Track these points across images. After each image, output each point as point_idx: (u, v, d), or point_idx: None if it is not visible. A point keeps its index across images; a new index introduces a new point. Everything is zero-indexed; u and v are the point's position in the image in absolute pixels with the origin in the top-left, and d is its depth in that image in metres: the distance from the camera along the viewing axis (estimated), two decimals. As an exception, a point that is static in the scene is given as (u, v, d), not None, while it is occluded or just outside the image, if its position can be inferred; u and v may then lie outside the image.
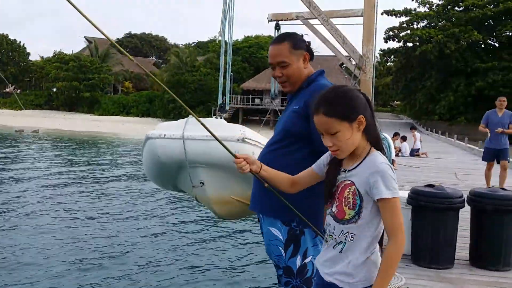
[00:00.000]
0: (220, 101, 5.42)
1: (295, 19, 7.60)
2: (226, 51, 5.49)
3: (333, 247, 2.00)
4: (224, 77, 5.61)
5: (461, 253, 5.46)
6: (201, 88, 51.51)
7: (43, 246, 9.63)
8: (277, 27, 7.88)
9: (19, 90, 73.15)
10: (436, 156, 19.35)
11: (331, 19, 5.55)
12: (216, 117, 5.18)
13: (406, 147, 19.05)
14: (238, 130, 4.99)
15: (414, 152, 19.04)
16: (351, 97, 1.97)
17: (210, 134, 4.85)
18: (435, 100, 47.89)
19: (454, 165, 16.50)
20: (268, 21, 8.02)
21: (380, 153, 2.00)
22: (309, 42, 2.86)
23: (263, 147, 5.31)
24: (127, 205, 13.88)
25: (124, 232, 10.78)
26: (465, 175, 13.31)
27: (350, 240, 1.95)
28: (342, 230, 1.97)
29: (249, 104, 52.30)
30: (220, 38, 5.36)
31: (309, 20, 7.43)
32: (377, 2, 5.42)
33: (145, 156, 5.30)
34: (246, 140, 4.94)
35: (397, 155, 17.41)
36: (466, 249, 5.46)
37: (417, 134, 19.71)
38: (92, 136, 40.00)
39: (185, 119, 5.08)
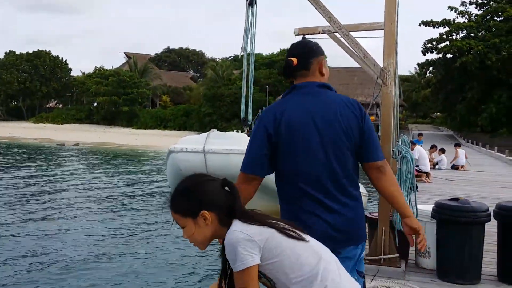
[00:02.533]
0: (242, 115, 5.49)
1: (321, 33, 7.63)
2: (249, 65, 5.57)
3: None
4: (247, 92, 5.69)
5: (488, 268, 5.32)
6: (237, 101, 51.99)
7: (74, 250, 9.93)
8: (304, 41, 7.93)
9: (61, 105, 75.51)
10: (475, 169, 18.86)
11: (352, 33, 5.57)
12: (237, 131, 5.26)
13: (444, 159, 18.65)
14: (258, 143, 5.04)
15: (454, 166, 18.57)
16: (194, 192, 1.97)
17: (230, 148, 4.97)
18: (476, 111, 46.75)
19: (492, 178, 16.06)
20: (295, 35, 8.07)
21: (236, 224, 1.94)
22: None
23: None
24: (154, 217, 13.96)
25: (149, 246, 10.74)
26: (502, 188, 12.93)
27: None
28: None
29: (285, 117, 52.28)
30: (242, 53, 5.45)
31: (335, 34, 7.45)
32: (397, 16, 5.42)
33: (168, 169, 5.41)
34: (265, 153, 5.00)
35: (433, 167, 17.06)
36: (493, 264, 5.33)
37: (460, 151, 19.03)
38: (129, 149, 40.87)
39: (207, 133, 5.18)
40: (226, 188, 2.01)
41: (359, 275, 2.53)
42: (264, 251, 1.90)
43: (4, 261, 9.41)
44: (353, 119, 2.52)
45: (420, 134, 22.53)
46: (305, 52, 2.63)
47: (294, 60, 2.61)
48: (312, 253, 1.97)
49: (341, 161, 2.49)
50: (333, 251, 2.12)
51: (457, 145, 20.42)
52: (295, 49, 2.66)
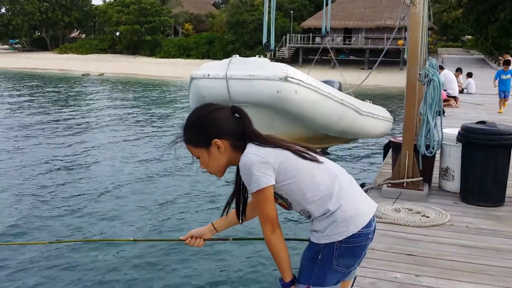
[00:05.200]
0: (265, 40, 5.39)
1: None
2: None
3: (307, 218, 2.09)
4: (269, 17, 5.56)
5: (513, 191, 5.32)
6: (260, 28, 50.85)
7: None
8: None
9: (83, 35, 75.16)
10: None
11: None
12: (259, 56, 5.19)
13: (472, 83, 18.13)
14: (281, 68, 4.98)
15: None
16: (203, 123, 1.97)
17: (252, 73, 4.92)
18: (509, 33, 44.81)
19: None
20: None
21: (250, 147, 1.94)
22: None
23: (306, 85, 5.32)
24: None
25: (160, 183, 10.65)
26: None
27: (307, 213, 2.01)
28: (298, 211, 2.06)
29: (309, 43, 51.21)
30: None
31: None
32: None
33: (191, 96, 5.43)
34: (288, 78, 4.94)
35: (461, 92, 16.62)
36: (518, 187, 5.32)
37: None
38: (154, 79, 40.96)
39: (229, 58, 5.12)
40: (236, 114, 2.00)
41: None
42: (279, 172, 1.93)
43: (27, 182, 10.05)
44: None
45: (507, 63, 14.19)
46: None
47: None
48: (327, 173, 2.00)
49: None
50: None
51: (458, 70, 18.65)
52: None
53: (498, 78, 13.68)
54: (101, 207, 8.69)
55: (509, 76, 13.42)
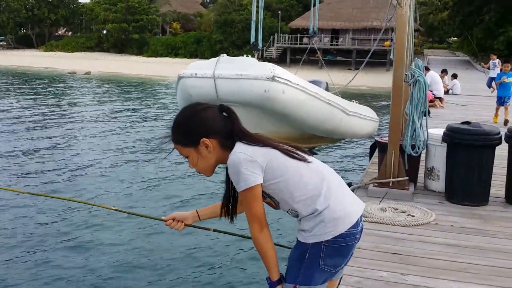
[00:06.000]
0: (252, 39, 5.40)
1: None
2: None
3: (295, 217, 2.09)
4: (257, 17, 5.58)
5: (497, 190, 5.39)
6: (248, 27, 50.78)
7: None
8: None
9: (70, 33, 74.51)
10: (490, 95, 18.58)
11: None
12: (247, 56, 5.20)
13: (457, 84, 18.32)
14: (268, 68, 4.99)
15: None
16: (190, 122, 1.97)
17: (240, 72, 4.93)
18: (493, 35, 45.30)
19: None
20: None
21: (238, 145, 1.94)
22: None
23: (293, 85, 5.34)
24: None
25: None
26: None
27: (295, 212, 2.02)
28: (286, 211, 2.06)
29: (297, 44, 51.31)
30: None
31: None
32: None
33: (179, 95, 5.42)
34: (276, 78, 4.96)
35: (446, 92, 16.79)
36: (502, 186, 5.39)
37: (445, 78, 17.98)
38: (141, 78, 40.75)
39: (217, 58, 5.12)
40: (224, 113, 2.00)
41: None
42: (266, 171, 1.93)
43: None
44: None
45: (507, 62, 12.82)
46: None
47: None
48: (316, 173, 2.01)
49: None
50: None
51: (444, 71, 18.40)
52: None
53: (499, 81, 11.94)
54: (87, 186, 9.79)
55: (511, 79, 11.65)
